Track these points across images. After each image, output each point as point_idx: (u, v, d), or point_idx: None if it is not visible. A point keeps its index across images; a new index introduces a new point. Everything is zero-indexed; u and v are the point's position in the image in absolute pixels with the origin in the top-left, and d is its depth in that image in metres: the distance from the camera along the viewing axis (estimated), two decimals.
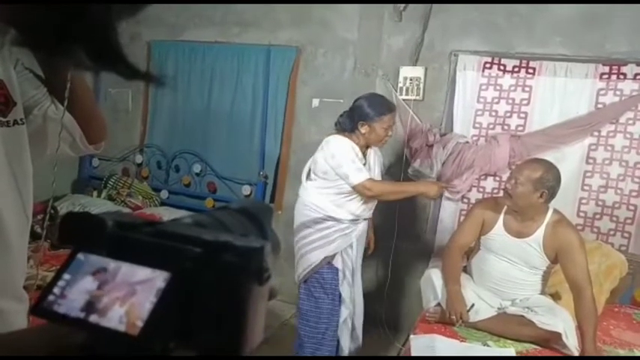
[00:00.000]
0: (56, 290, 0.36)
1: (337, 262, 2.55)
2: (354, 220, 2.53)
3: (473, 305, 2.31)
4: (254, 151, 3.74)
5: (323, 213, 2.48)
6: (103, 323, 0.34)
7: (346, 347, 2.61)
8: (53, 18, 0.39)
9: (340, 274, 2.55)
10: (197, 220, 0.44)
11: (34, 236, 0.97)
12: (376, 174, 2.58)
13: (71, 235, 0.39)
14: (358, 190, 2.41)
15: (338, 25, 3.46)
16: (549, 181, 2.27)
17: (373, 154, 2.60)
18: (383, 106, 2.49)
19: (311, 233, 2.51)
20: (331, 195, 2.48)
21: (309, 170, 2.57)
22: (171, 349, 0.36)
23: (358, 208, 2.51)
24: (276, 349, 2.75)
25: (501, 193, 2.82)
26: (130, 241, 0.38)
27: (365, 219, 2.60)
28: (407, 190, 2.62)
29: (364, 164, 2.48)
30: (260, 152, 3.73)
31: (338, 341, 2.60)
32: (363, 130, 2.46)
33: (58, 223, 0.41)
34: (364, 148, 2.53)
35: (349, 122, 2.50)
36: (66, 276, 0.37)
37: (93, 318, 0.35)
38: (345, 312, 2.59)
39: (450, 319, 2.29)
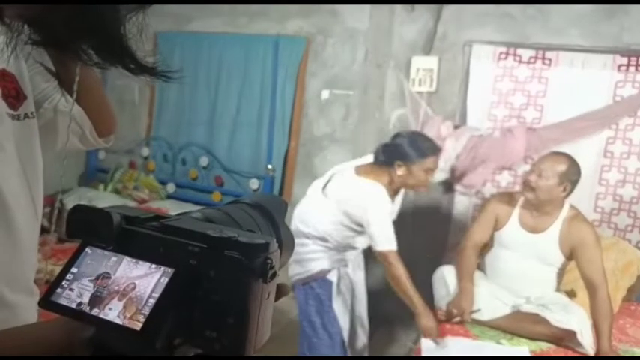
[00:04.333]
0: (64, 283, 0.37)
1: (332, 276, 2.41)
2: (354, 249, 2.45)
3: (479, 310, 2.29)
4: (262, 144, 3.71)
5: (325, 236, 2.35)
6: (102, 316, 0.35)
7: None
8: (66, 16, 0.39)
9: (334, 289, 2.41)
10: (206, 215, 0.43)
11: (42, 229, 0.98)
12: (394, 213, 2.46)
13: (79, 229, 0.39)
14: (378, 254, 2.28)
15: (348, 14, 3.41)
16: (573, 175, 2.26)
17: (400, 196, 2.46)
18: (425, 146, 2.30)
19: (307, 244, 2.38)
20: (341, 226, 2.34)
21: (327, 183, 2.39)
22: (176, 345, 0.36)
23: (362, 243, 2.40)
24: (283, 348, 2.71)
25: (516, 188, 2.80)
26: (137, 236, 0.38)
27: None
28: (410, 296, 2.28)
29: (391, 209, 2.36)
30: (268, 145, 3.69)
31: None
32: (400, 171, 2.27)
33: (66, 216, 0.40)
34: (394, 193, 2.37)
35: (386, 159, 2.31)
36: (73, 269, 0.38)
37: (95, 311, 0.35)
38: (344, 333, 2.44)
39: (450, 310, 2.27)
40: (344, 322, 2.46)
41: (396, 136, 2.39)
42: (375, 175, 2.32)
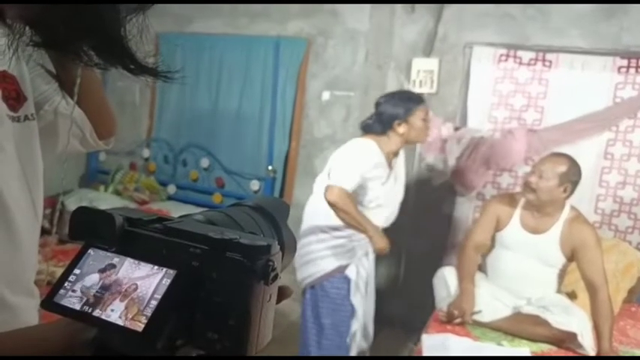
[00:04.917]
0: (67, 285, 0.37)
1: (351, 272, 2.41)
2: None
3: (480, 311, 2.29)
4: (262, 145, 3.70)
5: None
6: (104, 317, 0.35)
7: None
8: (66, 17, 0.39)
9: (353, 285, 2.41)
10: (208, 217, 0.43)
11: (42, 231, 0.97)
12: (400, 184, 2.47)
13: (81, 230, 0.40)
14: (326, 189, 2.26)
15: (348, 15, 3.41)
16: (574, 176, 2.26)
17: (401, 161, 2.47)
18: (410, 99, 2.38)
19: (326, 239, 2.36)
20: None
21: (330, 170, 2.40)
22: (178, 346, 0.36)
23: (380, 220, 2.40)
24: (284, 350, 2.70)
25: (517, 189, 2.79)
26: (139, 238, 0.39)
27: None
28: (362, 224, 2.31)
29: (389, 173, 2.36)
30: (268, 147, 3.68)
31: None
32: (402, 129, 2.32)
33: (69, 217, 0.40)
34: (392, 155, 2.40)
35: (380, 125, 2.35)
36: (76, 271, 0.38)
37: (97, 312, 0.36)
38: (355, 324, 2.45)
39: (451, 312, 2.27)
40: (358, 319, 2.46)
41: (380, 104, 2.41)
42: (369, 136, 2.37)
